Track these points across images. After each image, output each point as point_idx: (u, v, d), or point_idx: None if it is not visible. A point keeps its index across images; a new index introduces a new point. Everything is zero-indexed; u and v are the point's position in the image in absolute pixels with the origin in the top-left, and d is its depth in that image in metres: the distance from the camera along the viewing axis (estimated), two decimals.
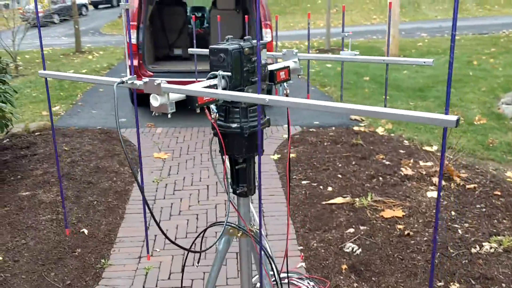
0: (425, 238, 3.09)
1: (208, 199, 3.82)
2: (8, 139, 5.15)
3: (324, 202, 3.67)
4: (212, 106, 1.37)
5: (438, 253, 2.91)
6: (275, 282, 1.67)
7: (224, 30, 6.22)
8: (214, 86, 1.37)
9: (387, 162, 4.36)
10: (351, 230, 3.26)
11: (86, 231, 3.31)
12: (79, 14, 24.03)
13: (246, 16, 3.80)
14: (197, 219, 3.50)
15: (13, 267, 2.91)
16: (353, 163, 4.38)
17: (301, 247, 3.12)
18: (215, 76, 1.40)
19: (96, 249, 3.12)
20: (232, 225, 1.64)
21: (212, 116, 1.39)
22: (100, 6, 32.59)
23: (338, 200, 3.69)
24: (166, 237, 1.22)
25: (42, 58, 1.64)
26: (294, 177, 4.16)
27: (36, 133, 5.36)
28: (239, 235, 1.63)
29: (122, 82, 1.27)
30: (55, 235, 3.26)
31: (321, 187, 3.94)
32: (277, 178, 4.17)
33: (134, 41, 5.71)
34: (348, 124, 5.63)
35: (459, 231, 3.17)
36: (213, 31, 7.05)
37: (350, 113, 0.95)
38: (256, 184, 1.62)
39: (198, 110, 1.36)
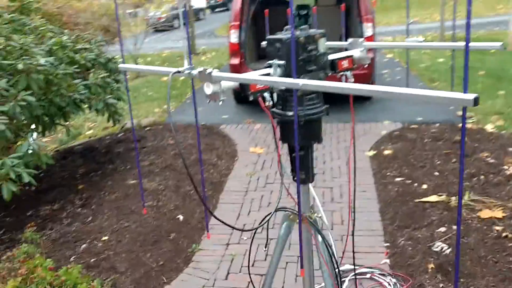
0: None
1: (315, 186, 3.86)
2: (122, 133, 5.67)
3: (417, 200, 3.53)
4: (265, 94, 1.43)
5: None
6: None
7: (326, 26, 6.21)
8: (269, 75, 1.43)
9: (492, 161, 4.05)
10: (443, 229, 3.11)
11: (181, 218, 3.56)
12: (197, 18, 25.39)
13: (342, 6, 3.78)
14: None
15: (116, 246, 3.23)
16: (453, 161, 4.14)
17: (387, 244, 3.04)
18: (271, 66, 1.46)
19: (189, 235, 3.33)
20: (291, 211, 1.68)
21: (266, 104, 1.45)
22: (216, 10, 34.13)
23: (432, 198, 3.52)
24: (217, 219, 1.30)
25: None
26: (387, 174, 4.05)
27: (147, 128, 5.83)
28: (296, 221, 1.67)
29: (179, 72, 1.38)
30: (153, 220, 3.54)
31: (415, 184, 3.78)
32: (370, 175, 4.09)
33: (235, 40, 5.94)
34: (453, 120, 5.31)
35: None
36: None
37: (358, 93, 0.96)
38: (315, 172, 1.65)
39: (251, 98, 1.43)
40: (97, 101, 4.18)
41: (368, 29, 5.78)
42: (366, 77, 5.81)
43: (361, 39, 1.73)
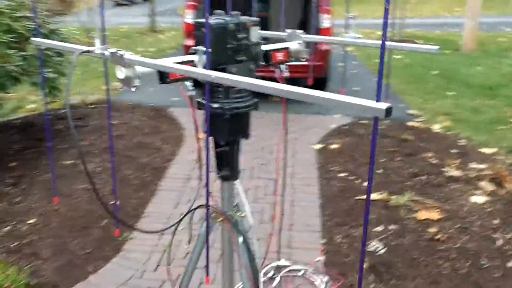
0: (457, 245, 2.87)
1: (241, 183, 3.78)
2: (65, 110, 5.40)
3: (357, 197, 3.52)
4: (187, 83, 1.32)
5: (468, 263, 2.69)
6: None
7: (286, 13, 6.09)
8: (191, 62, 1.31)
9: (435, 161, 4.09)
10: (379, 228, 3.10)
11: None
12: None
13: None
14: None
15: (42, 230, 3.05)
16: (398, 159, 4.16)
17: (324, 241, 3.01)
18: (196, 52, 1.34)
19: (123, 221, 3.18)
20: (212, 208, 1.58)
21: (189, 94, 1.34)
22: None
23: (373, 196, 3.52)
24: (117, 219, 1.18)
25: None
26: (332, 169, 4.02)
27: (92, 106, 5.59)
28: (218, 220, 1.57)
29: (88, 51, 1.25)
30: (86, 204, 3.37)
31: (358, 181, 3.77)
32: (315, 169, 4.05)
33: (191, 20, 5.75)
34: (403, 118, 5.35)
35: (499, 241, 2.92)
36: (273, 14, 6.94)
37: (268, 91, 0.86)
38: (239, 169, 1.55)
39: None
40: (35, 75, 3.93)
41: (325, 21, 5.71)
42: (321, 69, 5.77)
43: (299, 31, 1.63)
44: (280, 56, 1.55)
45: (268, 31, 5.71)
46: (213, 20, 1.35)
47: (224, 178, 1.53)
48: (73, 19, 11.18)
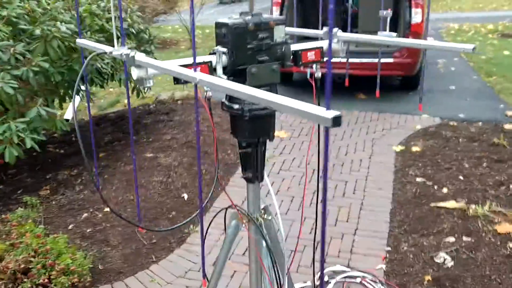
0: None
1: (310, 183, 3.72)
2: (154, 105, 5.70)
3: (432, 204, 3.29)
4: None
5: None
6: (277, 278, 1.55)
7: (373, 10, 5.87)
8: (209, 63, 1.30)
9: None
10: (451, 239, 2.87)
11: (186, 197, 3.52)
12: None
13: None
14: (291, 202, 3.45)
15: (115, 219, 3.25)
16: (484, 165, 3.82)
17: (389, 248, 2.86)
18: (215, 53, 1.33)
19: (189, 215, 3.29)
20: (239, 210, 1.57)
21: (206, 94, 1.34)
22: None
23: (450, 204, 3.27)
24: (115, 213, 1.22)
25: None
26: (410, 173, 3.80)
27: (179, 101, 5.83)
28: (245, 221, 1.55)
29: (105, 53, 1.29)
30: (158, 196, 3.53)
31: (435, 187, 3.53)
32: (391, 172, 3.86)
33: None
34: (499, 120, 4.90)
35: None
36: (361, 10, 6.71)
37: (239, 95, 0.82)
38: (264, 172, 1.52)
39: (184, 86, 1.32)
40: (121, 72, 4.19)
41: (417, 15, 5.41)
42: (409, 67, 5.48)
43: (335, 29, 1.56)
44: (311, 55, 1.49)
45: (357, 27, 5.57)
46: (232, 20, 1.33)
47: (247, 180, 1.51)
48: (176, 17, 11.78)
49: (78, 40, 1.63)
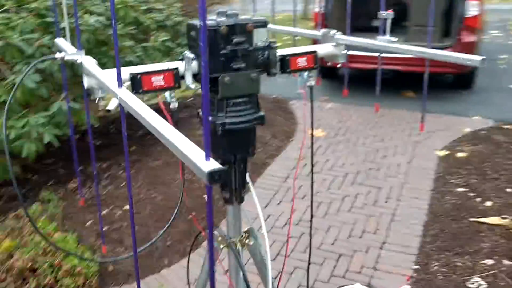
0: None
1: (340, 188, 3.50)
2: (193, 98, 5.62)
3: (472, 219, 2.99)
4: (166, 94, 1.16)
5: None
6: None
7: (426, 2, 5.45)
8: (174, 70, 1.15)
9: None
10: (490, 261, 2.58)
11: (206, 198, 3.40)
12: None
13: None
14: (317, 208, 3.25)
15: (136, 218, 3.18)
16: None
17: (417, 267, 2.61)
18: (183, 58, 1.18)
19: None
20: (217, 232, 1.41)
21: (171, 106, 1.18)
22: None
23: (493, 219, 2.95)
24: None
25: None
26: (451, 181, 3.49)
27: None
28: (221, 246, 1.39)
29: (55, 59, 1.16)
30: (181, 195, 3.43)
31: (478, 199, 3.21)
32: (431, 179, 3.56)
33: (320, 9, 5.50)
34: None
35: None
36: (415, 2, 6.28)
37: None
38: (248, 191, 1.36)
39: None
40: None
41: (472, 8, 4.98)
42: (462, 64, 5.05)
43: (333, 31, 1.35)
44: (302, 62, 1.30)
45: (407, 20, 5.13)
46: (207, 20, 1.16)
47: (225, 201, 1.35)
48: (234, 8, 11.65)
49: (56, 40, 1.52)
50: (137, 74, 1.11)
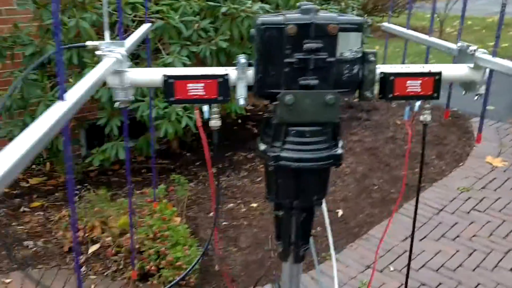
0: None
1: (505, 238, 2.80)
2: (358, 99, 5.20)
3: None
4: (205, 108, 0.88)
5: None
6: None
7: None
8: (222, 78, 0.86)
9: None
10: None
11: (340, 213, 3.05)
12: None
13: None
14: (469, 255, 2.64)
15: (256, 217, 3.00)
16: None
17: None
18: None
19: (344, 235, 2.82)
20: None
21: (211, 123, 0.91)
22: None
23: None
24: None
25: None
26: None
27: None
28: None
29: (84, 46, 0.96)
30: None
31: None
32: None
33: None
34: None
35: None
36: None
37: None
38: (304, 248, 1.02)
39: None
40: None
41: None
42: None
43: (473, 47, 0.91)
44: (414, 86, 0.90)
45: None
46: (269, 16, 0.85)
47: (279, 256, 1.04)
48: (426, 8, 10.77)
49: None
50: (171, 77, 0.85)
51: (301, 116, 0.85)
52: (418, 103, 0.93)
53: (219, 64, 3.36)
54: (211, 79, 0.86)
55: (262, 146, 0.91)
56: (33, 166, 3.71)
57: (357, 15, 4.30)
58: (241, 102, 0.88)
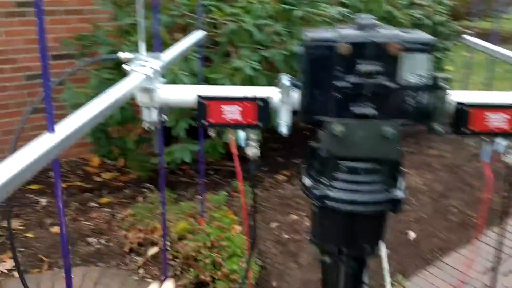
0: None
1: None
2: None
3: None
4: (241, 134, 0.77)
5: None
6: None
7: None
8: (262, 100, 0.75)
9: None
10: None
11: (412, 235, 2.82)
12: None
13: None
14: None
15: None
16: None
17: None
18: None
19: (399, 263, 2.61)
20: None
21: (249, 152, 0.80)
22: None
23: None
24: None
25: None
26: None
27: None
28: None
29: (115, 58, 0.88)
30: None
31: None
32: None
33: None
34: None
35: None
36: None
37: None
38: None
39: (212, 133, 0.81)
40: None
41: None
42: None
43: None
44: (497, 120, 0.73)
45: None
46: (321, 32, 0.73)
47: None
48: None
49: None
50: (205, 98, 0.75)
51: (353, 150, 0.72)
52: (503, 143, 0.76)
53: (292, 71, 3.25)
54: (250, 102, 0.75)
55: (307, 181, 0.79)
56: (108, 161, 3.80)
57: (446, 21, 4.00)
58: (284, 130, 0.76)
